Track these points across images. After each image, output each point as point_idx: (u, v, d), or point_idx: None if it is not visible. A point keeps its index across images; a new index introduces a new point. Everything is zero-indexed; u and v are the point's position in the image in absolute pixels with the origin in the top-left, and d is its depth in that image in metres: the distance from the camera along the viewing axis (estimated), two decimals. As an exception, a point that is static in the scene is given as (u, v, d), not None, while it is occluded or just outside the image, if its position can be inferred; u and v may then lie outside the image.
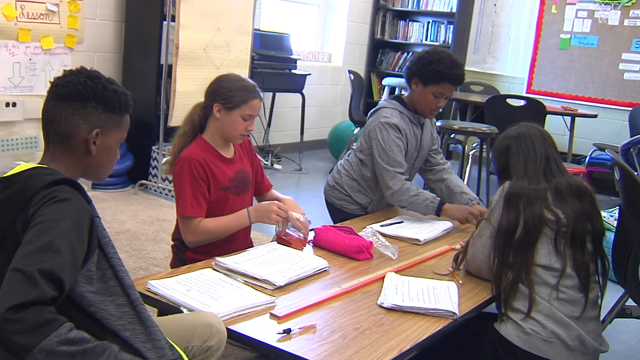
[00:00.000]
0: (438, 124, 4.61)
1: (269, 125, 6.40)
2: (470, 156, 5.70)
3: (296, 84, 6.10)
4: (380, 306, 1.95)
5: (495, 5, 7.41)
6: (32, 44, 4.38)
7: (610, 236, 2.57)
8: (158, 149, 4.81)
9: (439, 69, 2.82)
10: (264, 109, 6.31)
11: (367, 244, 2.39)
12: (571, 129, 5.96)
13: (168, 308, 1.83)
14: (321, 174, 6.13)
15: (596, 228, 2.10)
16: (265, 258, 2.18)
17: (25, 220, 1.34)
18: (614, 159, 2.52)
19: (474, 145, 5.91)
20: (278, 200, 2.57)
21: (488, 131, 4.69)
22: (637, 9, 6.53)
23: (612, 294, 2.65)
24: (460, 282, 2.22)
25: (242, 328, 1.74)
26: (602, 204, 2.19)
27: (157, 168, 4.87)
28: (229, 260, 2.11)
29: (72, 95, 1.48)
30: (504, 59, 7.40)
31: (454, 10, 7.35)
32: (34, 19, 4.33)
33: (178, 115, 4.27)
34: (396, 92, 7.27)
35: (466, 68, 7.46)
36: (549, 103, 5.96)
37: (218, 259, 2.12)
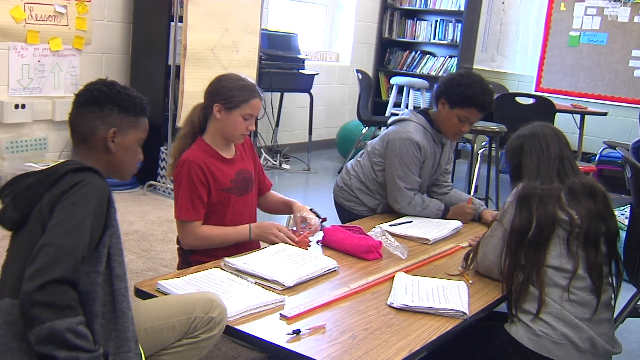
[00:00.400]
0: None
1: (277, 125, 6.40)
2: (480, 155, 5.67)
3: (304, 84, 6.09)
4: (390, 306, 1.95)
5: (503, 3, 7.38)
6: (41, 46, 4.40)
7: (621, 235, 2.55)
8: (166, 149, 4.82)
9: (467, 93, 2.76)
10: (272, 108, 6.31)
11: (376, 244, 2.38)
12: (581, 127, 5.93)
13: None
14: (329, 174, 6.12)
15: (610, 229, 2.08)
16: (274, 259, 2.18)
17: (52, 198, 1.48)
18: (624, 156, 2.50)
19: (483, 144, 5.89)
20: (282, 202, 2.62)
21: (497, 130, 4.67)
22: (647, 6, 6.49)
23: (624, 293, 2.62)
24: (470, 281, 2.21)
25: (251, 328, 1.73)
26: (613, 202, 2.16)
27: (166, 169, 4.87)
28: (237, 261, 2.11)
29: (90, 100, 1.66)
30: (513, 57, 7.37)
31: (462, 8, 7.32)
32: (43, 20, 4.35)
33: (186, 116, 4.27)
34: (404, 91, 7.26)
35: (474, 66, 7.53)
36: (558, 101, 5.92)
37: (227, 259, 2.12)
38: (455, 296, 2.01)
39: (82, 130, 1.65)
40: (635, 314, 2.65)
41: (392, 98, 7.29)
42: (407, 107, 7.24)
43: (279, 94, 6.28)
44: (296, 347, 1.65)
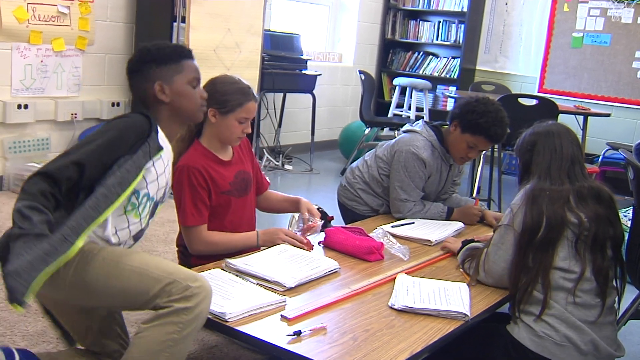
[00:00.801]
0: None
1: (279, 125, 6.40)
2: (482, 156, 5.66)
3: (307, 85, 6.09)
4: (391, 308, 1.94)
5: (506, 4, 7.37)
6: (44, 46, 4.40)
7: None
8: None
9: (480, 122, 2.75)
10: (275, 109, 6.31)
11: (378, 245, 2.38)
12: (584, 128, 5.91)
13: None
14: (332, 175, 6.12)
15: (617, 233, 2.07)
16: (276, 259, 2.18)
17: None
18: (627, 158, 2.49)
19: (486, 145, 5.86)
20: (288, 199, 2.64)
21: (500, 131, 4.65)
22: (651, 7, 6.47)
23: (626, 295, 2.61)
24: (473, 283, 2.20)
25: (253, 330, 1.73)
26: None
27: (168, 169, 4.87)
28: (239, 262, 2.11)
29: (130, 70, 1.91)
30: (516, 58, 7.36)
31: (465, 9, 7.32)
32: (45, 21, 4.36)
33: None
34: (407, 92, 7.25)
35: (477, 67, 7.53)
36: (561, 102, 5.90)
37: (228, 260, 2.11)
38: (456, 298, 2.01)
39: (138, 95, 1.90)
40: (638, 316, 2.63)
41: (394, 99, 7.29)
42: (409, 108, 7.25)
43: (281, 94, 6.28)
44: (297, 348, 1.64)
